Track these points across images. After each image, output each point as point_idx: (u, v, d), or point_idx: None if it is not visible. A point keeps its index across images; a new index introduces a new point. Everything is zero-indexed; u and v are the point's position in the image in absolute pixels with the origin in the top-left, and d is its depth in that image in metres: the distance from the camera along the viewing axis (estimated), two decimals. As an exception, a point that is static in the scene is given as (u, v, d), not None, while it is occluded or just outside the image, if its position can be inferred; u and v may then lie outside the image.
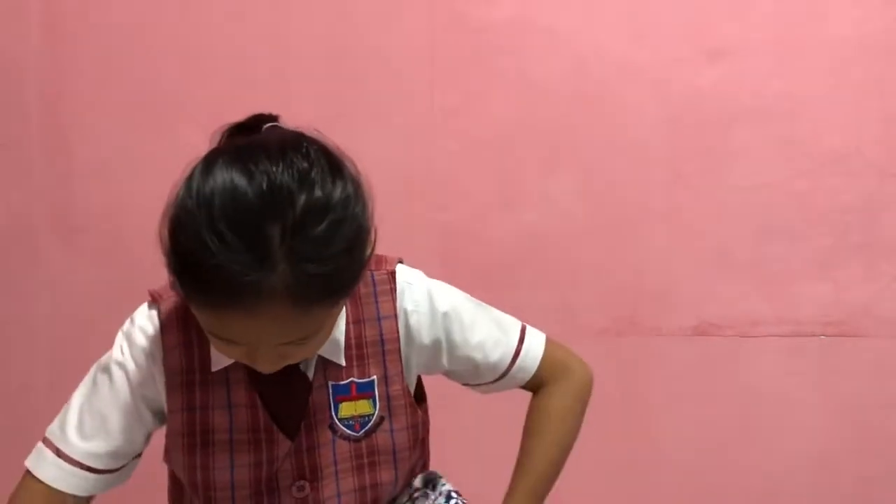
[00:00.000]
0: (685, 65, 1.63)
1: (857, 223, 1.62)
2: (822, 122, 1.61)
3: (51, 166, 1.71)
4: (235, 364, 0.90)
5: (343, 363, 0.93)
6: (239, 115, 1.70)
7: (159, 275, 1.75)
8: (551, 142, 1.65)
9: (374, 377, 0.94)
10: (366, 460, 0.95)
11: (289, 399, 0.92)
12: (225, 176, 0.80)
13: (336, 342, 0.93)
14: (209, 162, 0.83)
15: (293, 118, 1.70)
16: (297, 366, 0.91)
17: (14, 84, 1.70)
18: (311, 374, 0.92)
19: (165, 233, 0.85)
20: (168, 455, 0.96)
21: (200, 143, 1.73)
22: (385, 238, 1.72)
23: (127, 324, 0.99)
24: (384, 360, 0.95)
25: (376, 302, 0.96)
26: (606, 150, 1.64)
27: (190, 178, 0.84)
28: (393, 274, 0.99)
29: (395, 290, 0.97)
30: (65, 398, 1.78)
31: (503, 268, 1.67)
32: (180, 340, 0.93)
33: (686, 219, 1.64)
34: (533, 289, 1.65)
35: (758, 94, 1.61)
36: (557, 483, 1.67)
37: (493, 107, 1.63)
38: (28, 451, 1.83)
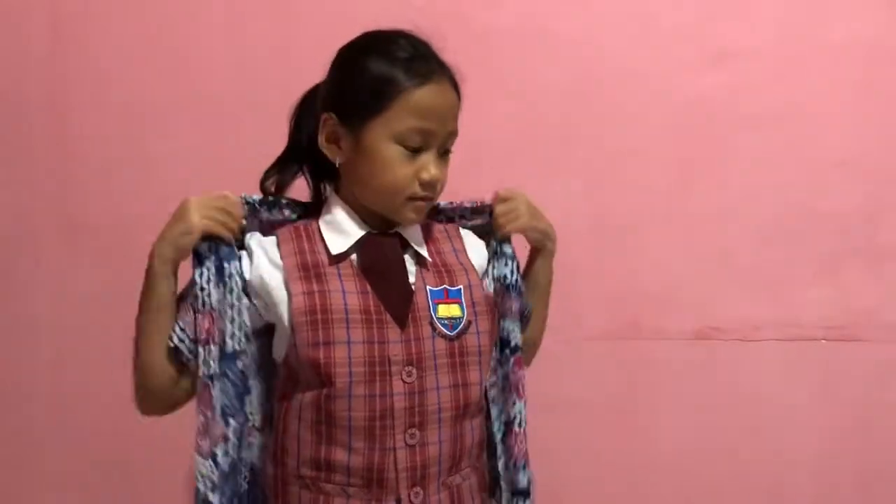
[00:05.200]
0: (687, 69, 1.63)
1: (859, 228, 1.62)
2: (825, 127, 1.61)
3: (53, 167, 1.72)
4: (345, 260, 1.12)
5: (428, 256, 1.16)
6: (240, 117, 1.72)
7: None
8: (553, 145, 1.65)
9: (461, 286, 1.16)
10: (457, 359, 1.13)
11: (394, 296, 1.11)
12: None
13: (418, 238, 1.18)
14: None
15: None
16: (402, 268, 1.14)
17: (18, 85, 1.71)
18: (412, 280, 1.13)
19: (360, 72, 1.13)
20: (292, 351, 1.09)
21: (202, 144, 1.75)
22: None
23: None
24: (467, 275, 1.17)
25: (451, 241, 1.22)
26: (608, 153, 1.64)
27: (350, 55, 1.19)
28: (457, 227, 1.26)
29: (461, 232, 1.25)
30: (66, 397, 1.80)
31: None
32: (293, 250, 1.13)
33: (688, 223, 1.64)
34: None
35: (760, 98, 1.61)
36: (559, 486, 1.67)
37: (495, 110, 1.63)
38: (28, 451, 1.83)
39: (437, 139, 1.12)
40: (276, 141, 1.71)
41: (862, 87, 1.61)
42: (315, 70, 1.71)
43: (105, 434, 1.73)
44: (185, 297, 1.11)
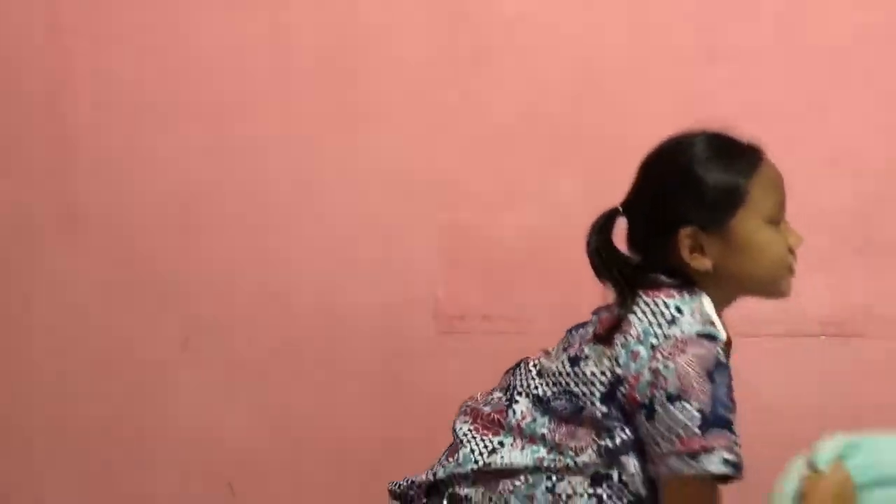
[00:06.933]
0: (686, 65, 1.63)
1: (858, 223, 1.62)
2: (822, 123, 1.61)
3: (53, 163, 1.72)
4: None
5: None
6: (240, 112, 1.72)
7: (160, 273, 1.76)
8: (553, 141, 1.65)
9: None
10: None
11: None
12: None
13: None
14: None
15: (293, 117, 1.72)
16: None
17: (17, 80, 1.71)
18: None
19: (710, 178, 1.15)
20: None
21: (202, 139, 1.75)
22: (386, 238, 1.74)
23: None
24: None
25: None
26: (608, 149, 1.64)
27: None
28: None
29: None
30: (65, 395, 1.80)
31: (504, 268, 1.67)
32: None
33: (686, 219, 1.64)
34: (534, 289, 1.65)
35: (758, 95, 1.61)
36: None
37: (494, 106, 1.63)
38: (28, 450, 1.83)
39: (784, 208, 1.17)
40: (274, 139, 1.71)
41: (859, 84, 1.61)
42: (312, 66, 1.71)
43: (104, 433, 1.73)
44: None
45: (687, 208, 1.14)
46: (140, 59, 1.69)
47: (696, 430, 1.03)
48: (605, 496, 1.10)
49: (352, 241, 1.68)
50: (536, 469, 1.12)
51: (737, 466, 1.03)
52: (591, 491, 1.11)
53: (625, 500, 1.11)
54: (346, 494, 1.69)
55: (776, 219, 1.15)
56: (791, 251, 1.16)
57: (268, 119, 1.70)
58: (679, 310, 1.09)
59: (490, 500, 1.13)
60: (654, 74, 1.63)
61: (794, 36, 1.62)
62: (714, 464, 1.02)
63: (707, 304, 1.13)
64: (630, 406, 1.08)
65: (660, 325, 1.08)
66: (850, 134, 1.61)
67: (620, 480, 1.10)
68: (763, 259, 1.14)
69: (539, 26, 1.64)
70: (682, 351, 1.06)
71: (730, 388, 1.09)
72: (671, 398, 1.04)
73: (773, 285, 1.17)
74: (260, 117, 1.69)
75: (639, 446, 1.09)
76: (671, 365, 1.05)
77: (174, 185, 1.71)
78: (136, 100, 1.70)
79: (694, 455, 1.03)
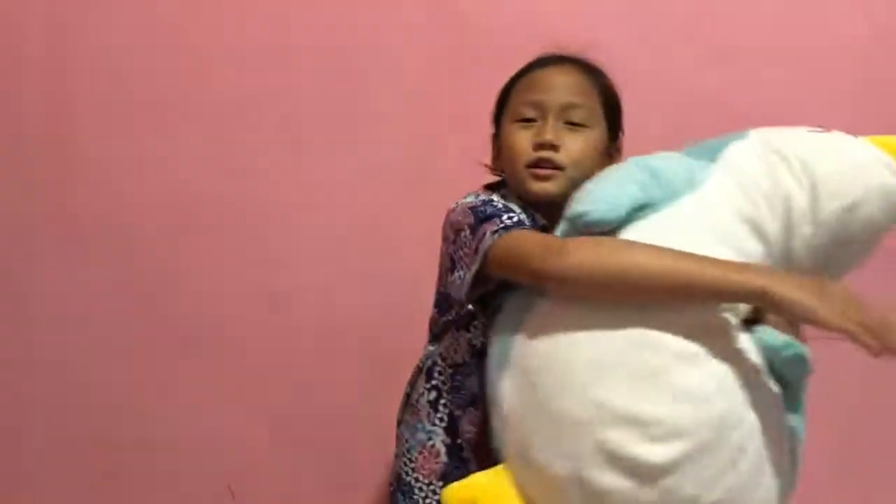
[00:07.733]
0: (687, 68, 1.63)
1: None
2: (822, 123, 1.62)
3: (53, 167, 1.72)
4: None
5: None
6: (239, 114, 1.72)
7: (160, 274, 1.76)
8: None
9: None
10: None
11: None
12: None
13: None
14: None
15: (293, 117, 1.72)
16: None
17: (15, 83, 1.71)
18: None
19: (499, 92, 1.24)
20: None
21: (201, 142, 1.75)
22: (386, 237, 1.74)
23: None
24: None
25: None
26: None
27: None
28: None
29: None
30: (64, 397, 1.79)
31: (504, 269, 1.67)
32: None
33: (687, 220, 1.65)
34: (533, 290, 1.65)
35: (759, 96, 1.62)
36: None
37: (493, 107, 1.64)
38: (27, 453, 1.83)
39: (549, 108, 1.16)
40: (274, 141, 1.71)
41: (860, 85, 1.61)
42: (312, 68, 1.71)
43: (103, 435, 1.73)
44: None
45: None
46: (140, 63, 1.69)
47: (470, 235, 1.11)
48: (438, 384, 1.20)
49: (352, 243, 1.69)
50: (409, 386, 1.26)
51: (507, 227, 1.08)
52: (427, 386, 1.22)
53: (447, 375, 1.20)
54: (346, 496, 1.69)
55: (521, 116, 1.17)
56: (536, 147, 1.15)
57: (267, 122, 1.70)
58: (465, 198, 1.19)
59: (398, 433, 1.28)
60: (655, 75, 1.63)
61: (794, 37, 1.62)
62: (488, 240, 1.08)
63: (496, 196, 1.19)
64: (443, 286, 1.21)
65: None
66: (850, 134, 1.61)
67: (443, 359, 1.20)
68: (508, 158, 1.19)
69: (538, 28, 1.64)
70: (454, 209, 1.17)
71: (495, 208, 1.12)
72: (457, 234, 1.14)
73: (519, 184, 1.18)
74: (260, 120, 1.70)
75: (460, 323, 1.20)
76: (448, 220, 1.18)
77: (173, 187, 1.71)
78: (135, 102, 1.70)
79: (477, 247, 1.09)
